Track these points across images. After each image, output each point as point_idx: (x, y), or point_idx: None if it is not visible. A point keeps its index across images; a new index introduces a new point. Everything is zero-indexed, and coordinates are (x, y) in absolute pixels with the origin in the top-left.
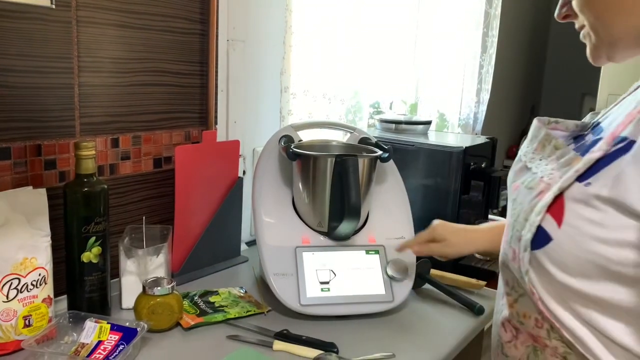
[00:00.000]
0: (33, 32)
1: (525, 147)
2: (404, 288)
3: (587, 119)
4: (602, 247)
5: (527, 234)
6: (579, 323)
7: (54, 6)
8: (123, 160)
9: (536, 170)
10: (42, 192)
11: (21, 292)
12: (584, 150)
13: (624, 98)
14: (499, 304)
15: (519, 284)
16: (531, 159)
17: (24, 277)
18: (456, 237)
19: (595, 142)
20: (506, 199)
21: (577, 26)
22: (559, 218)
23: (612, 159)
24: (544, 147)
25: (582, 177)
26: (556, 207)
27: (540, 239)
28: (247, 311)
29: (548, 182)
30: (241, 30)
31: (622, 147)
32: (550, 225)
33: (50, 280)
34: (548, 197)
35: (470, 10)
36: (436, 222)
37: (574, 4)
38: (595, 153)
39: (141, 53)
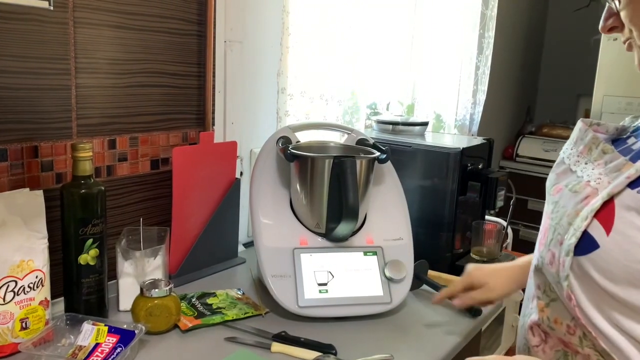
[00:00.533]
0: (30, 33)
1: (568, 150)
2: (402, 289)
3: (626, 122)
4: None
5: (571, 239)
6: (617, 332)
7: (51, 7)
8: (120, 161)
9: (581, 173)
10: (39, 193)
11: (18, 295)
12: (633, 156)
13: None
14: (527, 307)
15: (551, 288)
16: (576, 162)
17: (21, 279)
18: (496, 278)
19: None
20: (502, 200)
21: (623, 39)
22: (607, 225)
23: None
24: (591, 150)
25: (634, 183)
26: (605, 213)
27: (586, 244)
28: (245, 313)
29: (595, 186)
30: (238, 31)
31: None
32: (597, 231)
33: (47, 283)
34: (596, 202)
35: (467, 12)
36: (471, 267)
37: (623, 15)
38: None
39: (138, 54)
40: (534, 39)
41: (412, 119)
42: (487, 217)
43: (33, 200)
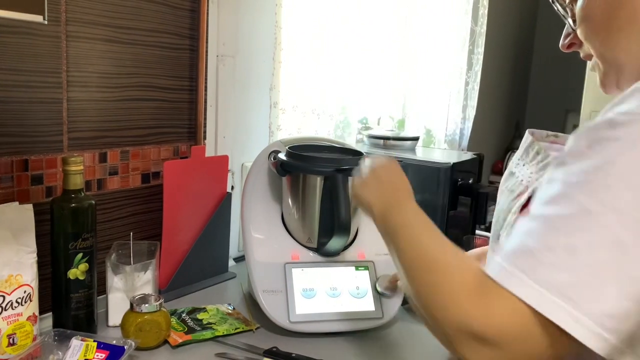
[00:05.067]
0: (22, 46)
1: (515, 156)
2: (394, 304)
3: None
4: None
5: (504, 232)
6: None
7: (46, 22)
8: (111, 175)
9: (519, 174)
10: (29, 207)
11: (5, 310)
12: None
13: None
14: None
15: None
16: (516, 165)
17: (9, 294)
18: None
19: None
20: (493, 215)
21: (582, 55)
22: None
23: None
24: (528, 153)
25: None
26: (526, 207)
27: None
28: (236, 328)
29: (526, 184)
30: (231, 45)
31: None
32: (517, 223)
33: (35, 298)
34: (524, 198)
35: (457, 28)
36: None
37: (579, 32)
38: None
39: (130, 68)
40: (523, 55)
41: (402, 134)
42: (477, 231)
43: (22, 214)
